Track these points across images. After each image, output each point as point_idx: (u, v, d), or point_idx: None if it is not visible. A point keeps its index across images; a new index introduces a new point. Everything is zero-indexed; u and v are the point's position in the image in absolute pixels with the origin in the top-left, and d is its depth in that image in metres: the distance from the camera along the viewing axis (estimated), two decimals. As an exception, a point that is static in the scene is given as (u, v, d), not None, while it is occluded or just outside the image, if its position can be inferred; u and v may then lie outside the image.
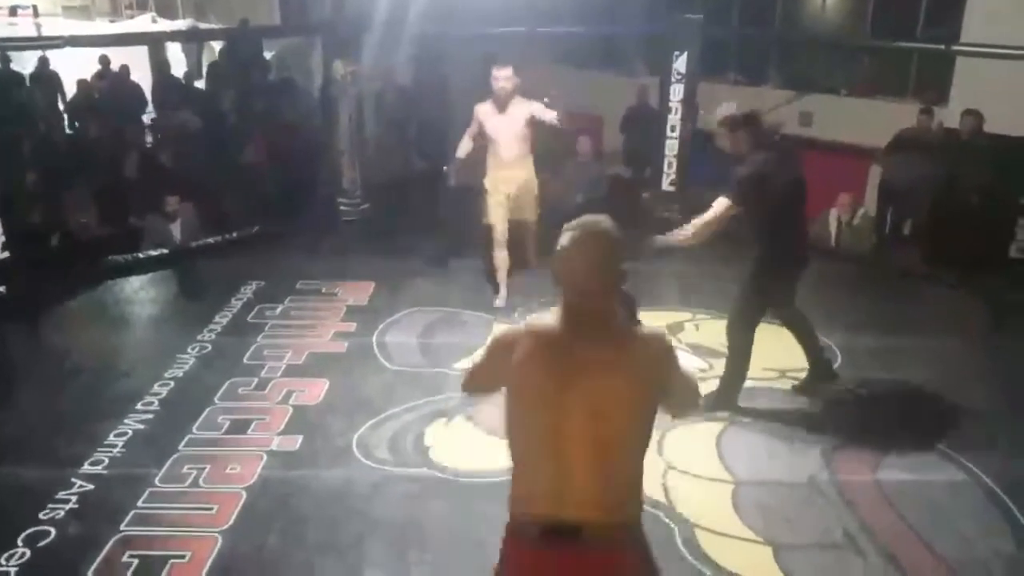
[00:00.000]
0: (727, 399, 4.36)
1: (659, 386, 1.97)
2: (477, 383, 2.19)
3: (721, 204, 4.03)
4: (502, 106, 5.28)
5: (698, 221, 4.09)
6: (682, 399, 2.08)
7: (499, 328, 2.13)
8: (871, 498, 3.66)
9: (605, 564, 1.94)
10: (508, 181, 5.40)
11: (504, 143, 5.34)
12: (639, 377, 1.92)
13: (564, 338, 1.93)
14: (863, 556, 3.30)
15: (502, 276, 5.62)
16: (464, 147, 5.49)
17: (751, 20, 9.72)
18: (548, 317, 1.98)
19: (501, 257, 5.55)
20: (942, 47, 7.39)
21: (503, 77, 5.21)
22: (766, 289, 4.23)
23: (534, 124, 5.28)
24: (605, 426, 1.89)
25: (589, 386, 1.88)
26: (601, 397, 1.88)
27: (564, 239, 1.95)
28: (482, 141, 5.43)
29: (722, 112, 4.08)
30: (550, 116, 5.16)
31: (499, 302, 5.59)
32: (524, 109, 5.26)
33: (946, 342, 5.10)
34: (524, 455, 1.98)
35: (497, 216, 5.50)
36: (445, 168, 5.56)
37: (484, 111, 5.36)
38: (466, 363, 2.30)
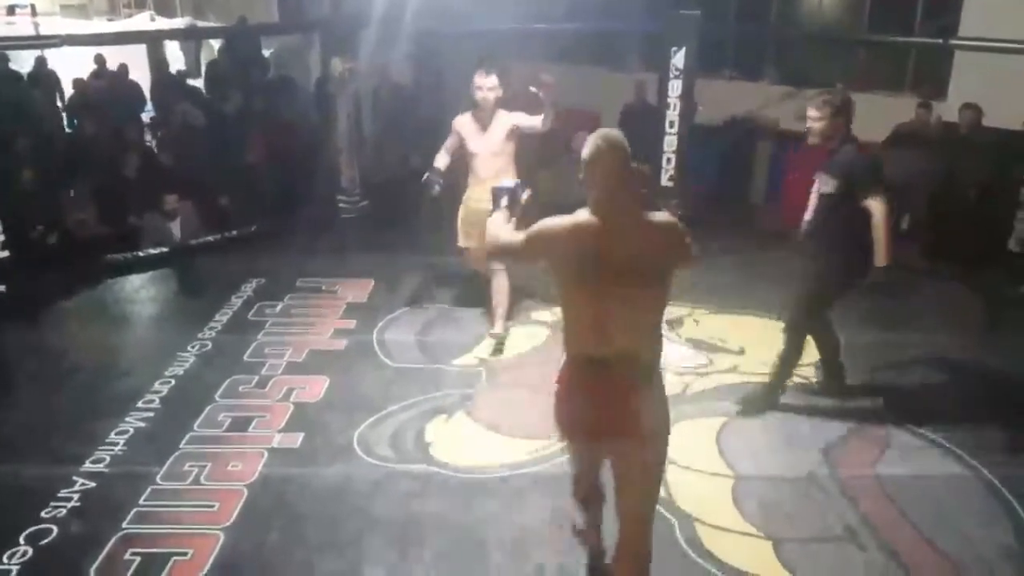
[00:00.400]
0: (774, 399, 4.34)
1: (673, 256, 2.59)
2: (512, 255, 2.83)
3: (883, 208, 3.85)
4: (483, 118, 4.81)
5: (879, 242, 3.88)
6: (688, 262, 2.70)
7: (542, 222, 2.61)
8: (872, 493, 3.67)
9: (628, 387, 2.55)
10: (484, 201, 4.84)
11: (482, 159, 4.85)
12: (657, 250, 2.54)
13: (599, 224, 2.51)
14: (864, 551, 3.31)
15: (498, 301, 5.04)
16: (442, 160, 4.95)
17: (748, 16, 9.71)
18: (582, 212, 2.55)
19: (500, 286, 4.99)
20: (940, 41, 7.38)
21: (488, 86, 4.71)
22: (843, 290, 4.14)
23: (516, 136, 4.83)
24: (632, 288, 2.48)
25: (620, 259, 2.47)
26: (629, 266, 2.47)
27: (589, 150, 2.54)
28: (461, 154, 4.95)
29: (825, 97, 3.93)
30: (535, 122, 4.69)
31: (495, 328, 5.08)
32: (506, 121, 4.79)
33: (945, 337, 5.10)
34: (574, 311, 2.59)
35: (469, 240, 5.02)
36: (426, 176, 4.94)
37: (463, 123, 4.88)
38: (497, 233, 2.86)
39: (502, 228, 2.86)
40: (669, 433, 2.64)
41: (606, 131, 2.60)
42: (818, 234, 4.11)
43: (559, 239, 2.55)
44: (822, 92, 4.03)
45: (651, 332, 2.60)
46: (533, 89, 4.52)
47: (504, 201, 3.00)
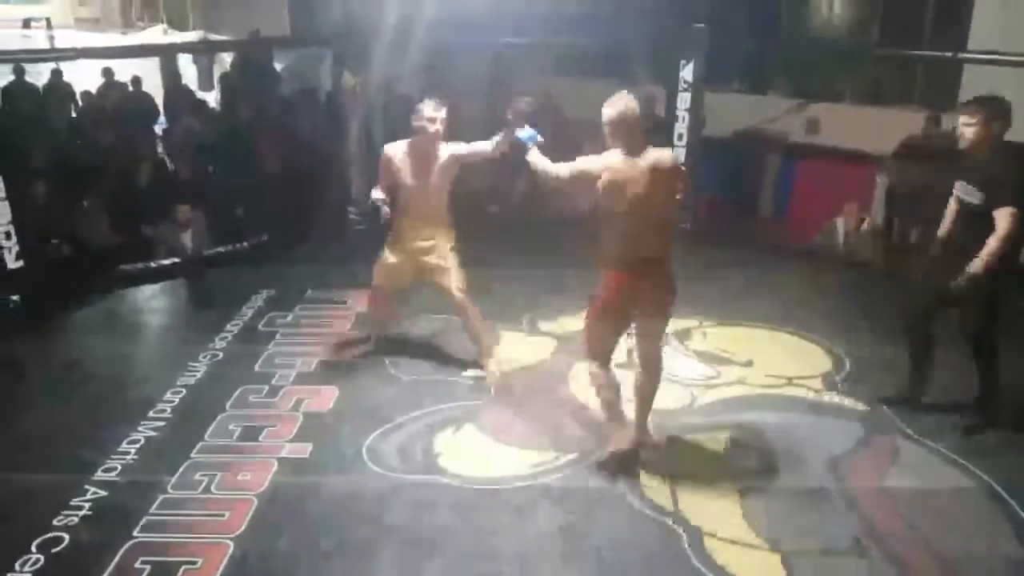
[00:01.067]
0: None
1: (675, 179, 3.65)
2: (564, 183, 3.69)
3: (1011, 223, 3.71)
4: (424, 150, 4.49)
5: (987, 250, 3.76)
6: (684, 184, 3.80)
7: (585, 159, 3.62)
8: (879, 505, 3.66)
9: (656, 276, 3.68)
10: (416, 239, 4.64)
11: (420, 194, 4.53)
12: (666, 173, 3.59)
13: (628, 159, 3.55)
14: (871, 563, 3.31)
15: (477, 334, 4.81)
16: (380, 195, 4.55)
17: (757, 29, 9.74)
18: (612, 153, 3.58)
19: (474, 315, 4.75)
20: (949, 55, 7.39)
21: (440, 119, 4.42)
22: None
23: (453, 169, 4.57)
24: (656, 202, 3.56)
25: (646, 182, 3.53)
26: (652, 187, 3.54)
27: (617, 111, 3.56)
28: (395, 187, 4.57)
29: (979, 102, 3.82)
30: (483, 147, 4.44)
31: (489, 378, 4.77)
32: (444, 153, 4.51)
33: (953, 349, 5.07)
34: (618, 226, 3.59)
35: (383, 274, 4.79)
36: (371, 201, 4.60)
37: (398, 155, 4.53)
38: (545, 168, 3.74)
39: (546, 164, 3.75)
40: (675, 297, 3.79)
41: (626, 95, 3.60)
42: (967, 247, 3.90)
43: (609, 167, 3.53)
44: (976, 98, 3.90)
45: (667, 234, 3.69)
46: (510, 116, 4.24)
47: (531, 144, 3.85)
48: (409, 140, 4.56)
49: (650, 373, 3.90)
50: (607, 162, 3.56)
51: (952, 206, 4.15)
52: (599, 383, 3.87)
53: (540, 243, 6.94)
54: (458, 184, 4.70)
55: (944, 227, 4.19)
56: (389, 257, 4.75)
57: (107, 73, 10.57)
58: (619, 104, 3.56)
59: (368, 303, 5.15)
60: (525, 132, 3.94)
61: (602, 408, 3.96)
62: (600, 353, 3.82)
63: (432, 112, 4.43)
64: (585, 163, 3.61)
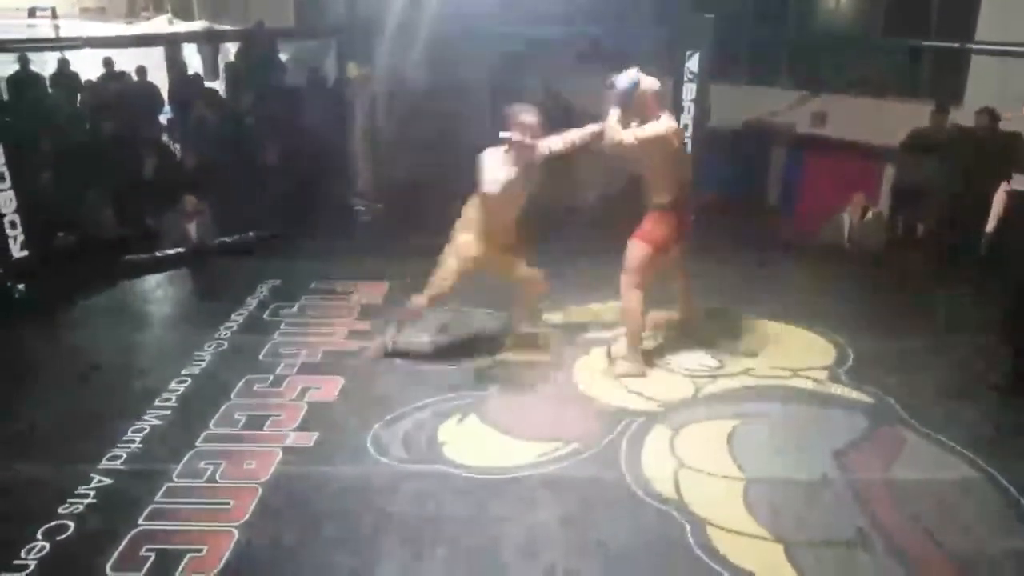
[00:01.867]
0: None
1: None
2: (647, 145, 4.39)
3: None
4: (522, 158, 4.46)
5: None
6: None
7: (651, 130, 4.37)
8: (883, 496, 3.66)
9: (686, 210, 4.71)
10: (502, 240, 4.78)
11: (510, 199, 4.59)
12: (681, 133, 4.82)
13: (667, 125, 4.45)
14: (874, 554, 3.31)
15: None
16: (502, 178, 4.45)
17: (763, 20, 9.70)
18: (666, 116, 4.49)
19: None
20: (956, 45, 7.34)
21: (537, 124, 4.44)
22: None
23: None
24: (684, 150, 4.83)
25: (680, 135, 4.68)
26: (681, 144, 4.73)
27: (650, 80, 4.44)
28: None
29: None
30: (575, 136, 4.60)
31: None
32: (536, 158, 4.54)
33: (959, 341, 5.08)
34: (669, 176, 4.51)
35: (470, 259, 4.75)
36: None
37: (503, 160, 4.47)
38: (616, 133, 4.30)
39: (622, 131, 4.30)
40: None
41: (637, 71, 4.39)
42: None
43: (664, 135, 4.38)
44: None
45: (689, 175, 4.81)
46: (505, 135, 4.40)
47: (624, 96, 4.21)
48: (506, 148, 4.45)
49: (683, 276, 5.05)
50: (670, 125, 4.44)
51: (1002, 193, 4.10)
52: (634, 314, 4.65)
53: (541, 236, 6.92)
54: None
55: (994, 215, 4.16)
56: (474, 247, 4.70)
57: (107, 63, 10.54)
58: (649, 78, 4.38)
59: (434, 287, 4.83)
60: (628, 78, 4.10)
61: (628, 335, 4.73)
62: (644, 283, 4.63)
63: (531, 119, 4.39)
64: (656, 130, 4.33)
